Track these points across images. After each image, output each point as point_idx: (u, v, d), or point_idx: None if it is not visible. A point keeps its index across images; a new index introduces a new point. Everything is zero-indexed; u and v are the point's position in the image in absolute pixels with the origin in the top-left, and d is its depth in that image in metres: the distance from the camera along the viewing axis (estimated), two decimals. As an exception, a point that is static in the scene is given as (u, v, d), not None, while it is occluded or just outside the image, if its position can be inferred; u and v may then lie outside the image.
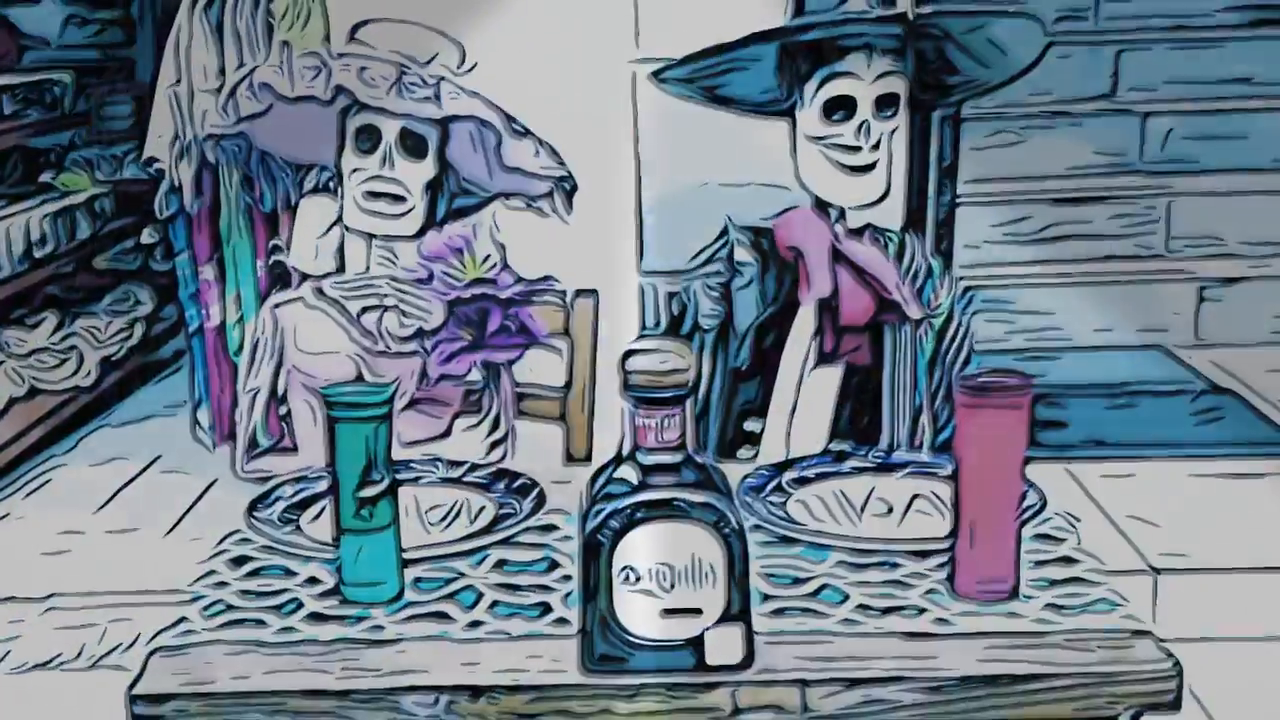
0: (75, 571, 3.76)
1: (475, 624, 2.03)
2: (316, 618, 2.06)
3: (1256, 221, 5.07)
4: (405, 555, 2.13)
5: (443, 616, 2.05)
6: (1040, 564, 2.15)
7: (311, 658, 1.96)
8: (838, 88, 2.93)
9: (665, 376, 1.87)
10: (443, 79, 2.91)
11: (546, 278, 3.03)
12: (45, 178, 5.78)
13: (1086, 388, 4.80)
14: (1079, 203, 5.14)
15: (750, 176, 3.55)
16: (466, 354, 2.96)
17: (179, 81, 4.37)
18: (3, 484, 4.59)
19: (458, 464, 2.59)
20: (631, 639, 1.88)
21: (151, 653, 1.98)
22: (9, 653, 3.44)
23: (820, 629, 1.99)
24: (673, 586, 1.87)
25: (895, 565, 2.16)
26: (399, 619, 2.05)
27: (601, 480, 1.93)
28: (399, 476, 2.13)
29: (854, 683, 1.88)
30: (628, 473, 1.90)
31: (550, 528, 2.33)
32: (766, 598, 2.06)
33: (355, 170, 2.94)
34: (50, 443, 4.92)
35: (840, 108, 2.93)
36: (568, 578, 2.14)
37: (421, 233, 2.96)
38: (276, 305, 3.03)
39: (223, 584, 2.17)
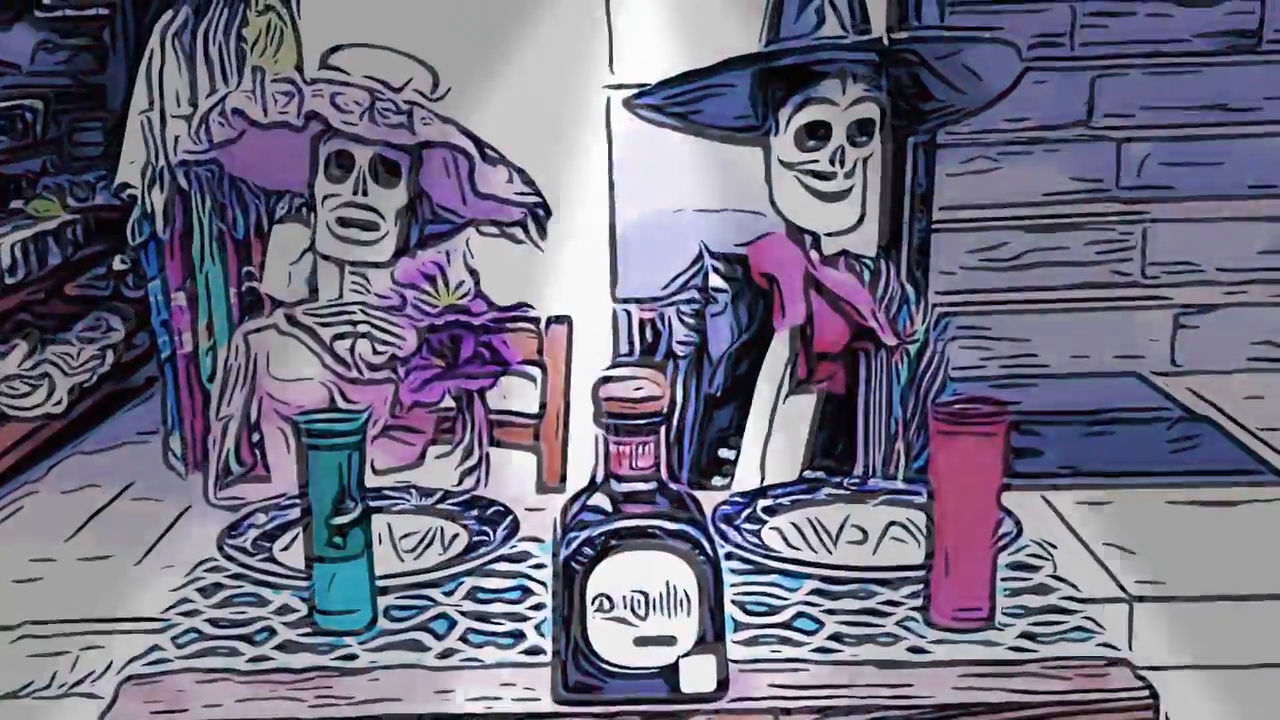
0: (47, 599, 3.74)
1: (448, 652, 2.02)
2: (289, 646, 2.05)
3: (1233, 247, 5.10)
4: (378, 583, 2.12)
5: (416, 645, 2.04)
6: (1016, 592, 2.14)
7: (284, 686, 1.95)
8: (813, 113, 2.92)
9: (639, 403, 1.87)
10: (416, 105, 2.90)
11: (520, 304, 3.02)
12: (16, 204, 5.77)
13: (1062, 415, 4.81)
14: (1055, 229, 5.16)
15: (725, 202, 3.55)
16: (439, 381, 2.95)
17: (151, 107, 4.37)
18: (-26, 511, 4.58)
19: (431, 491, 2.58)
20: (605, 667, 1.87)
21: (123, 681, 1.96)
22: (-20, 681, 3.43)
23: (795, 657, 1.99)
24: (647, 614, 1.86)
25: (870, 593, 2.15)
26: (372, 647, 2.04)
27: (575, 507, 1.93)
28: (372, 504, 2.12)
29: (828, 711, 1.87)
30: (601, 500, 1.90)
31: (524, 555, 2.32)
32: (740, 625, 2.05)
33: (328, 196, 2.93)
34: (21, 470, 4.91)
35: (815, 133, 2.93)
36: (541, 605, 2.13)
37: (395, 259, 2.95)
38: (249, 332, 3.02)
39: (195, 612, 2.16)
